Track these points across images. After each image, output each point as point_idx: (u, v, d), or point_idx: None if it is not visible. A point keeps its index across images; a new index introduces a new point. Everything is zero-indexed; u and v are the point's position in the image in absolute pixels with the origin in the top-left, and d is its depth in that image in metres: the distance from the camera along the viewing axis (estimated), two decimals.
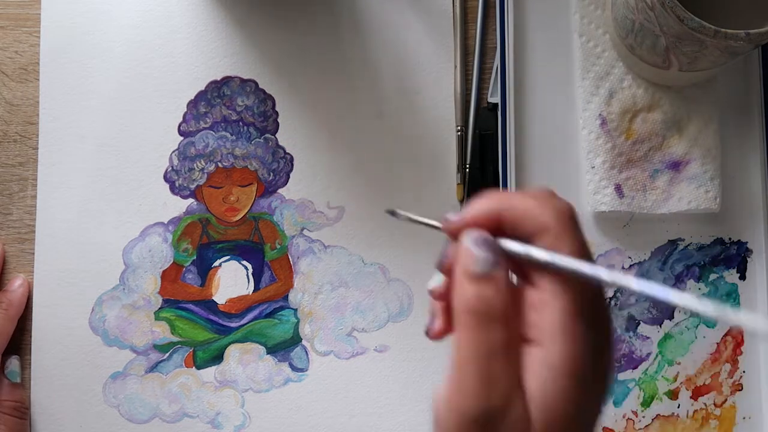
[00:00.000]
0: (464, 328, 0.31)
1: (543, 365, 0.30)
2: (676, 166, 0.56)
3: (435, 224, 0.35)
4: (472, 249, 0.32)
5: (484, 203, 0.33)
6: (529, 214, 0.32)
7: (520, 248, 0.31)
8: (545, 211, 0.32)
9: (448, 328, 0.34)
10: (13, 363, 0.54)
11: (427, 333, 0.34)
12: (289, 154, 0.56)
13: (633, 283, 0.29)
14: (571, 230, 0.31)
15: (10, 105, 0.56)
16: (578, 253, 0.31)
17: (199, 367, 0.55)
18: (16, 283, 0.54)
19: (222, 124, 0.56)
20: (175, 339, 0.55)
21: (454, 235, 0.33)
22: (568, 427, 0.30)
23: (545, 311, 0.30)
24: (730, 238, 0.58)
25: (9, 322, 0.53)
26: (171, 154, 0.56)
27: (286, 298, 0.56)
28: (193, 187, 0.56)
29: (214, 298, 0.55)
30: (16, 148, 0.56)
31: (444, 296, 0.33)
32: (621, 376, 0.56)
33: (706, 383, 0.57)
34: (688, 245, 0.57)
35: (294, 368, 0.55)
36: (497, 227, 0.32)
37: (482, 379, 0.30)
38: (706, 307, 0.27)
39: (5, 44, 0.56)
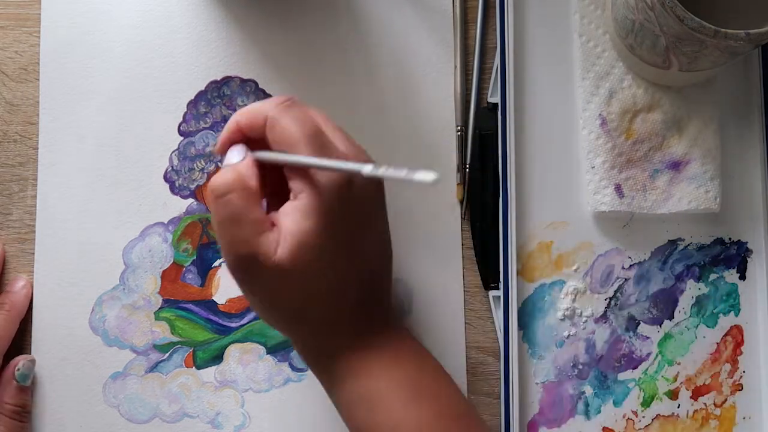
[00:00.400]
0: (211, 205, 0.43)
1: (296, 211, 0.42)
2: (676, 166, 0.56)
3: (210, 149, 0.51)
4: (230, 153, 0.44)
5: (229, 124, 0.45)
6: (254, 111, 0.44)
7: (265, 155, 0.44)
8: (264, 104, 0.44)
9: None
10: (26, 366, 0.53)
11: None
12: None
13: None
14: (283, 114, 0.43)
15: (10, 105, 0.56)
16: (298, 124, 0.42)
17: (199, 367, 0.55)
18: (19, 284, 0.54)
19: (222, 124, 0.56)
20: (175, 339, 0.55)
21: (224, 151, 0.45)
22: (309, 252, 0.41)
23: (297, 184, 0.42)
24: (730, 238, 0.58)
25: (11, 323, 0.53)
26: (171, 154, 0.56)
27: None
28: (193, 187, 0.56)
29: (214, 298, 0.55)
30: (16, 148, 0.56)
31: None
32: (621, 376, 0.56)
33: (706, 383, 0.57)
34: (688, 245, 0.57)
35: (294, 368, 0.55)
36: (249, 137, 0.44)
37: (229, 239, 0.42)
38: (365, 168, 0.38)
39: (5, 44, 0.56)
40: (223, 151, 0.45)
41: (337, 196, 0.42)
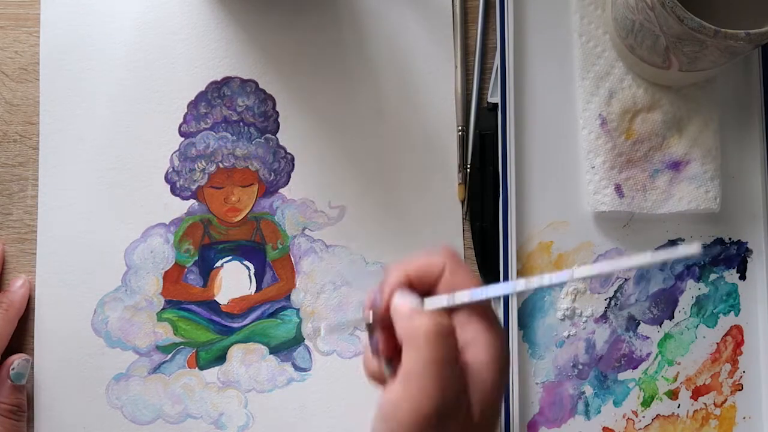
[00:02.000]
0: (422, 346, 0.38)
1: (481, 365, 0.39)
2: (676, 166, 0.56)
3: (359, 318, 0.43)
4: (403, 298, 0.40)
5: (393, 275, 0.41)
6: (427, 262, 0.41)
7: (440, 300, 0.40)
8: (436, 256, 0.41)
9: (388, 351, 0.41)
10: (21, 365, 0.53)
11: (377, 353, 0.42)
12: (290, 154, 0.56)
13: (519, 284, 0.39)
14: (459, 262, 0.41)
15: (10, 105, 0.56)
16: (472, 277, 0.40)
17: (202, 368, 0.55)
18: (17, 284, 0.54)
19: (223, 124, 0.56)
20: (177, 340, 0.55)
21: (382, 315, 0.41)
22: (495, 409, 0.39)
23: (470, 330, 0.40)
24: (730, 238, 0.58)
25: (8, 323, 0.53)
26: (172, 155, 0.56)
27: (288, 298, 0.56)
28: (194, 187, 0.56)
29: (216, 298, 0.55)
30: (16, 148, 0.56)
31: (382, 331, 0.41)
32: (621, 376, 0.56)
33: (706, 383, 0.57)
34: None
35: (297, 368, 0.55)
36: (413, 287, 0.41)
37: (439, 382, 0.37)
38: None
39: (5, 44, 0.56)
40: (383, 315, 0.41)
41: (505, 352, 0.40)
